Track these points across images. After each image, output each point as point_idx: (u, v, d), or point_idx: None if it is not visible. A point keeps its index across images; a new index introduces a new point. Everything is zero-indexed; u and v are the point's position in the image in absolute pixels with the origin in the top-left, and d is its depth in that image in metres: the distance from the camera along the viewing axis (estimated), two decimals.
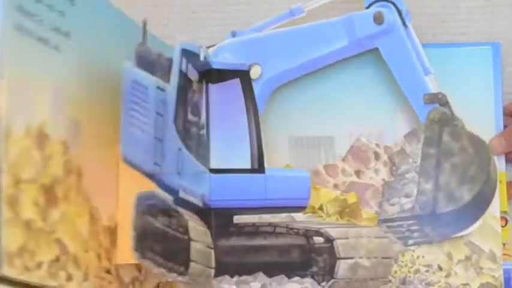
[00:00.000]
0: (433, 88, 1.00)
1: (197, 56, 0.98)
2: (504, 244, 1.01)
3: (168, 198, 0.95)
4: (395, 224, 1.01)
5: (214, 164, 0.97)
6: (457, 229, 1.01)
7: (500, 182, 1.01)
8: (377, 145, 1.03)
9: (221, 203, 0.98)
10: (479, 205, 1.01)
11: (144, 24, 0.96)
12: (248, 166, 0.99)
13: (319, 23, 1.01)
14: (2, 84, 0.72)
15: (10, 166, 0.71)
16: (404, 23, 0.99)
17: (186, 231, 0.94)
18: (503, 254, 1.00)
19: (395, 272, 1.00)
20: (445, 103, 1.00)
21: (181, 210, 0.95)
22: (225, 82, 1.00)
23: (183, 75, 0.98)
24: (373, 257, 0.98)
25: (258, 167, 0.99)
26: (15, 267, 0.72)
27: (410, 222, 1.01)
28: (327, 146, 1.03)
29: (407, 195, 1.02)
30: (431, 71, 1.01)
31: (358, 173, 1.03)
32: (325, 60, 1.02)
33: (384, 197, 1.02)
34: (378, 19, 0.98)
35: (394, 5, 0.99)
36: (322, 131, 1.03)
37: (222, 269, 0.97)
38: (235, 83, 1.01)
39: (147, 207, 0.93)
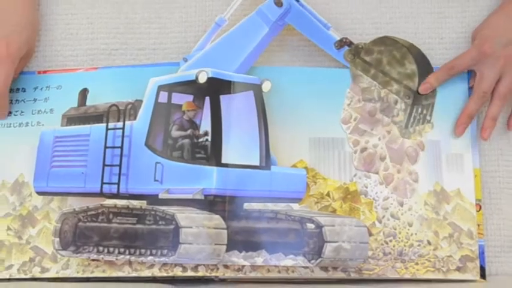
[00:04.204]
0: (337, 36, 1.15)
1: (185, 83, 1.10)
2: (479, 225, 1.12)
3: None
4: (410, 122, 1.12)
5: (226, 160, 1.09)
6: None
7: (475, 176, 1.13)
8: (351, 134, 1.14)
9: (233, 192, 1.09)
10: (424, 62, 1.13)
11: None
12: (257, 163, 1.11)
13: (241, 22, 1.15)
14: None
15: None
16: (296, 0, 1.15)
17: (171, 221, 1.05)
18: (478, 233, 1.11)
19: (394, 246, 1.11)
20: (350, 43, 1.15)
21: (158, 207, 1.07)
22: (240, 93, 1.12)
23: (160, 106, 1.11)
24: (352, 241, 1.09)
25: (265, 164, 1.11)
26: None
27: (414, 110, 1.12)
28: (339, 146, 1.14)
29: (395, 103, 1.13)
30: (330, 25, 1.16)
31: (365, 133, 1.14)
32: (261, 48, 1.16)
33: (389, 117, 1.14)
34: (278, 3, 1.15)
35: None
36: (336, 133, 1.14)
37: (233, 245, 1.08)
38: (249, 94, 1.13)
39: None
